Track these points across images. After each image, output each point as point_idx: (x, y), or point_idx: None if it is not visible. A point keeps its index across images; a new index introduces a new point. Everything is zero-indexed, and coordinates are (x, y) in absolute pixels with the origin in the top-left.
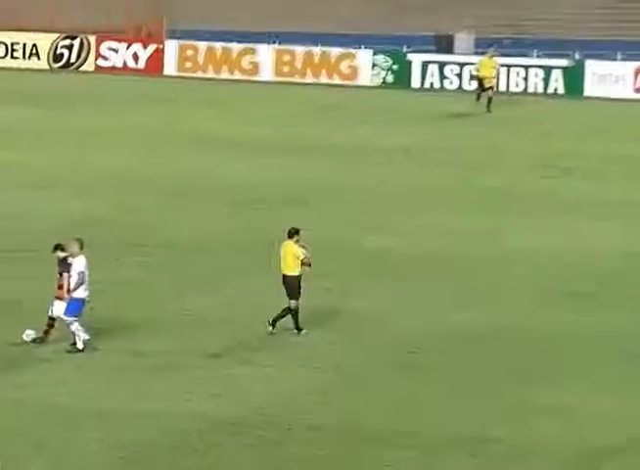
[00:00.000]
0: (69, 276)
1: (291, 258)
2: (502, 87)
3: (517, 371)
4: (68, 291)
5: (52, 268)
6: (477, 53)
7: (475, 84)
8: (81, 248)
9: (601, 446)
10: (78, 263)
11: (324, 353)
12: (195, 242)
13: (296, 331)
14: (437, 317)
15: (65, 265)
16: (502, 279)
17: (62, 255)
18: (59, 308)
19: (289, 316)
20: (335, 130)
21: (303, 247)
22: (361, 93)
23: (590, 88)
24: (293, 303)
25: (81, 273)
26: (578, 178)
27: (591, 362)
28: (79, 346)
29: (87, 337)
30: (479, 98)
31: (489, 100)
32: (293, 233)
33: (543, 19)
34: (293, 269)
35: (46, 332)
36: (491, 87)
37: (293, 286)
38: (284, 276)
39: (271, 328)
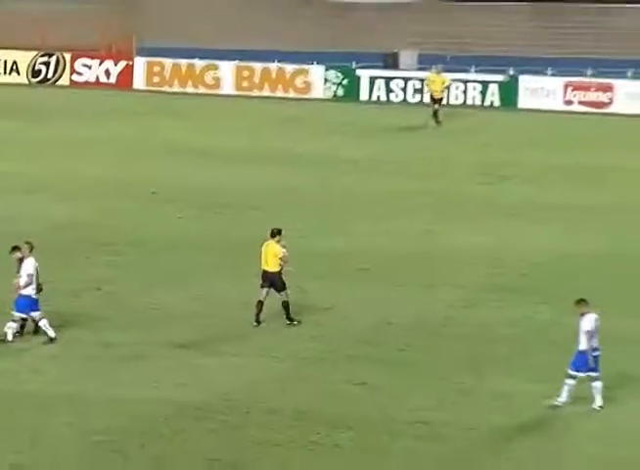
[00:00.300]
0: (19, 276)
1: (271, 256)
2: (443, 100)
3: (459, 360)
4: (18, 288)
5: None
6: (420, 68)
7: (417, 97)
8: (31, 250)
9: (535, 424)
10: (28, 265)
11: (283, 345)
12: (164, 241)
13: (288, 322)
14: (385, 312)
15: (19, 266)
16: (443, 276)
17: (19, 255)
18: None
19: (280, 308)
20: (290, 140)
21: (284, 246)
22: (314, 106)
23: (523, 101)
24: (281, 294)
25: (30, 275)
26: (514, 184)
27: (526, 350)
28: (52, 335)
29: (53, 335)
30: (436, 114)
31: (435, 112)
32: (275, 233)
33: (481, 37)
34: (273, 266)
35: (22, 326)
36: (440, 99)
37: (274, 281)
38: (264, 272)
39: (289, 322)
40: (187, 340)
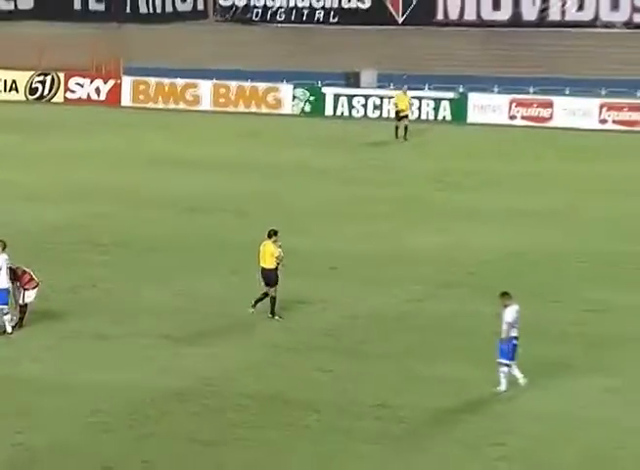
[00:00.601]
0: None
1: (268, 254)
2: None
3: (414, 349)
4: None
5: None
6: (379, 87)
7: (377, 113)
8: (4, 248)
9: (481, 406)
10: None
11: (259, 336)
12: (151, 242)
13: (270, 315)
14: (351, 307)
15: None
16: (402, 273)
17: None
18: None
19: (266, 301)
20: (264, 151)
21: (280, 246)
22: (284, 120)
23: (472, 116)
24: (271, 290)
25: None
26: (466, 191)
27: (472, 340)
28: (9, 330)
29: (10, 329)
30: (397, 130)
31: (406, 128)
32: (272, 234)
33: (435, 58)
34: (269, 264)
35: (21, 318)
36: (406, 116)
37: (270, 277)
38: (262, 269)
39: (271, 315)
40: (172, 332)
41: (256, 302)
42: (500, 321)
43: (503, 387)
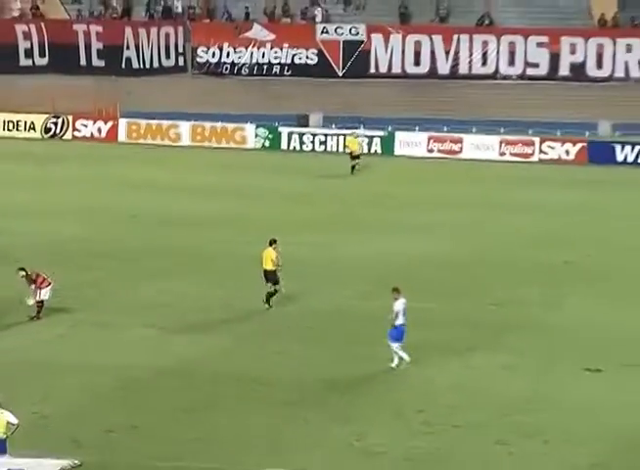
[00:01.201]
0: None
1: (269, 259)
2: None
3: (350, 336)
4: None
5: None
6: (324, 126)
7: (322, 147)
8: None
9: (400, 380)
10: None
11: (229, 326)
12: (141, 250)
13: (266, 306)
14: (301, 303)
15: None
16: (341, 277)
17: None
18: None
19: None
20: (232, 178)
21: (278, 252)
22: (248, 154)
23: (398, 150)
24: (276, 286)
25: None
26: (394, 209)
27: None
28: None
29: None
30: (353, 168)
31: (354, 166)
32: (272, 242)
33: (368, 103)
34: (270, 266)
35: (38, 311)
36: (359, 156)
37: (270, 276)
38: (264, 270)
39: (267, 306)
40: (159, 322)
41: (267, 300)
42: (391, 311)
43: (395, 363)
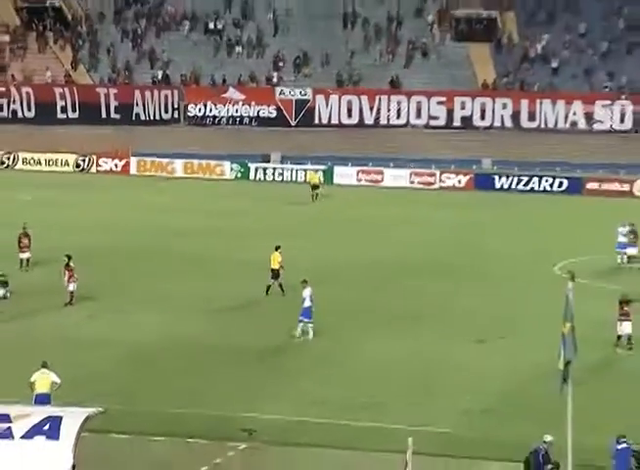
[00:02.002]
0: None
1: (275, 260)
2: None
3: (279, 313)
4: None
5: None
6: (282, 162)
7: (280, 178)
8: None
9: (285, 349)
10: None
11: (207, 310)
12: (149, 253)
13: (282, 292)
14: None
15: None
16: (253, 277)
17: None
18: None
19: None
20: (214, 201)
21: (281, 254)
22: (226, 183)
23: (336, 180)
24: (277, 281)
25: None
26: (330, 223)
27: (291, 312)
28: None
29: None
30: (314, 197)
31: (317, 195)
32: (277, 248)
33: (314, 145)
34: (276, 266)
35: (70, 298)
36: (318, 187)
37: (276, 273)
38: (271, 269)
39: (282, 291)
40: (162, 308)
41: (276, 286)
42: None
43: (298, 333)
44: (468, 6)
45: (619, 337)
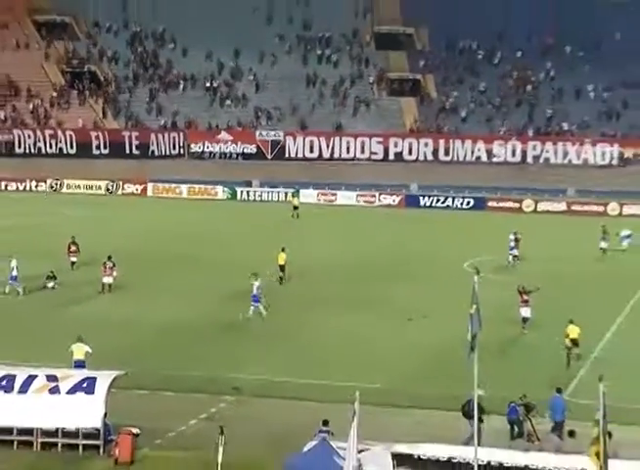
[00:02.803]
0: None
1: (282, 258)
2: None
3: (244, 298)
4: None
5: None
6: (260, 187)
7: (259, 198)
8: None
9: (238, 328)
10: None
11: (220, 299)
12: (164, 256)
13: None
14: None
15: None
16: (237, 272)
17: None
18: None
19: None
20: (211, 216)
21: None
22: (219, 202)
23: (302, 200)
24: (284, 273)
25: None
26: (301, 229)
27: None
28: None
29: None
30: (294, 216)
31: (297, 215)
32: (283, 249)
33: (286, 175)
34: (282, 262)
35: (103, 288)
36: (297, 207)
37: (283, 268)
38: (279, 265)
39: (279, 282)
40: (178, 298)
41: (281, 280)
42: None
43: (250, 314)
44: (399, 70)
45: (523, 320)
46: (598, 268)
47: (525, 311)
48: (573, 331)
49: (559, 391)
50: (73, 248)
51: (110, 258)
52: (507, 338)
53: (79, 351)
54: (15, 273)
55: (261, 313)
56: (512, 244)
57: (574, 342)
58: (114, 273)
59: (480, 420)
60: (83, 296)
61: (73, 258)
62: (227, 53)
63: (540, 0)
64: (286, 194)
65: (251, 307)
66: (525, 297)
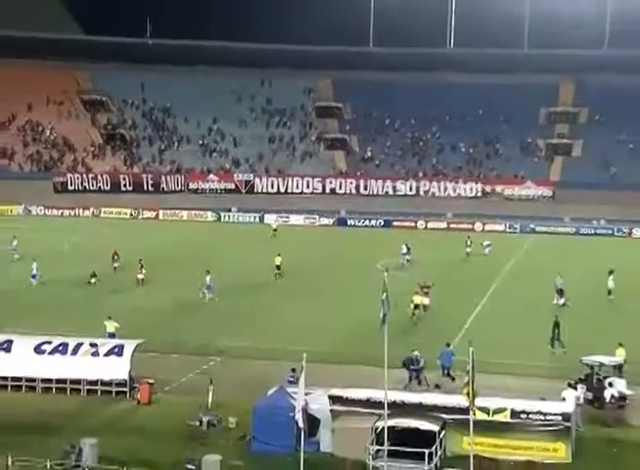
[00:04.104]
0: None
1: (277, 260)
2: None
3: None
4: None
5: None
6: (237, 212)
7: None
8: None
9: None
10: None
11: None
12: (173, 259)
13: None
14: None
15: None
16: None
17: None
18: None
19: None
20: (202, 231)
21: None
22: (208, 223)
23: (266, 221)
24: (280, 272)
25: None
26: (268, 242)
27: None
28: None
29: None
30: (272, 236)
31: (275, 235)
32: (279, 254)
33: (253, 203)
34: (278, 263)
35: (137, 282)
36: (276, 230)
37: (279, 267)
38: (276, 265)
39: (275, 278)
40: (180, 288)
41: (276, 276)
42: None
43: (207, 299)
44: (332, 132)
45: (424, 307)
46: (465, 267)
47: (425, 300)
48: (417, 299)
49: (448, 345)
50: (116, 257)
51: (140, 261)
52: (407, 316)
53: (110, 325)
54: (34, 272)
55: (214, 298)
56: (404, 251)
57: (417, 307)
58: (144, 271)
59: (417, 371)
60: (118, 288)
61: (116, 264)
62: (213, 121)
63: (423, 87)
64: (254, 217)
65: (207, 294)
66: (426, 290)
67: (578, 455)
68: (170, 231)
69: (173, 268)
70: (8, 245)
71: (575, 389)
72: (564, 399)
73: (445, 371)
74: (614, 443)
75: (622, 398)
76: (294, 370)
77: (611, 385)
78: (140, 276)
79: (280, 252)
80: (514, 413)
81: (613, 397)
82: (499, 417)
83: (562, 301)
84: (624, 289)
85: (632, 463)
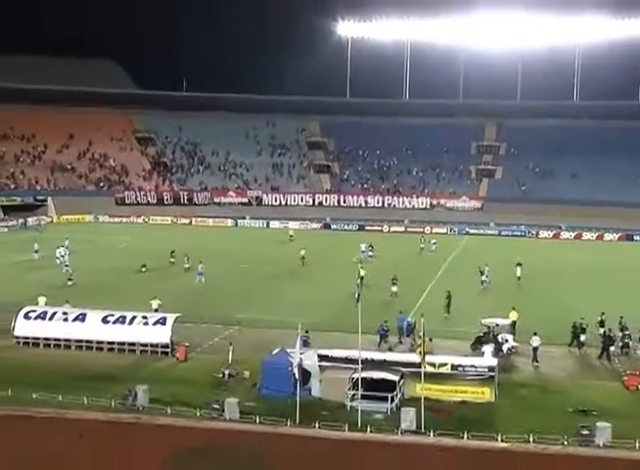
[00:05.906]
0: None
1: (302, 252)
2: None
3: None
4: None
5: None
6: (250, 219)
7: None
8: None
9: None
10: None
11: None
12: (198, 251)
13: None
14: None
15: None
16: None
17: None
18: None
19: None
20: (223, 234)
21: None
22: (228, 228)
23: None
24: (304, 261)
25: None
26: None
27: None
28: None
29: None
30: (290, 239)
31: (291, 238)
32: (303, 248)
33: (256, 213)
34: (303, 254)
35: (185, 270)
36: (292, 235)
37: (303, 258)
38: (302, 256)
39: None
40: (208, 270)
41: (302, 262)
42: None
43: (198, 283)
44: (320, 160)
45: (395, 293)
46: (418, 259)
47: (395, 288)
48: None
49: (401, 312)
50: (173, 254)
51: (186, 254)
52: (379, 296)
53: (155, 303)
54: (65, 258)
55: (202, 281)
56: (363, 249)
57: (394, 281)
58: (190, 262)
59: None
60: (165, 276)
61: (172, 259)
62: (230, 153)
63: (386, 127)
64: (263, 223)
65: (198, 278)
66: (394, 281)
67: (500, 396)
68: (201, 234)
69: (205, 258)
70: (86, 244)
71: (489, 345)
72: (483, 354)
73: (402, 331)
74: (523, 386)
75: (513, 348)
76: (307, 332)
77: (507, 341)
78: (186, 266)
79: (304, 247)
80: (453, 366)
81: (509, 349)
82: (443, 369)
83: (485, 281)
84: (529, 276)
85: (537, 399)
